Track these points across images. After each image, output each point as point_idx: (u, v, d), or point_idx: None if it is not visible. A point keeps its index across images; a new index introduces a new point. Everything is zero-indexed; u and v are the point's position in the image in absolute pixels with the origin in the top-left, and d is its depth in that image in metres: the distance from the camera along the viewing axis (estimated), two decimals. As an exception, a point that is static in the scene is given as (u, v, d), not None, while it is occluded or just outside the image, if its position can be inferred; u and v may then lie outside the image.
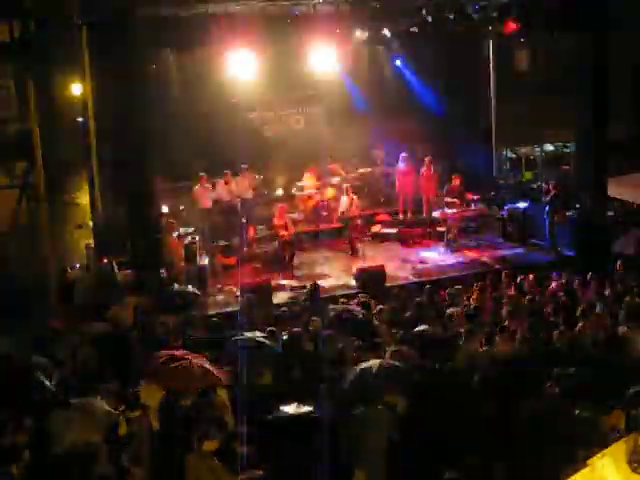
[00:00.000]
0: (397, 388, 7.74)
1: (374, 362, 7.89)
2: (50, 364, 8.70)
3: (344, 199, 15.68)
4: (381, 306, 10.69)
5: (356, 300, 11.29)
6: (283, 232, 14.64)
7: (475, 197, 16.26)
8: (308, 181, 17.35)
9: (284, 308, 11.26)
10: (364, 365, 7.82)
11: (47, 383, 7.97)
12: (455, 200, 15.79)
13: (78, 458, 6.96)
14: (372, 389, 7.54)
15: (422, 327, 9.16)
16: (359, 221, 15.92)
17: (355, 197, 15.78)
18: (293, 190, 17.35)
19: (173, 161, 16.41)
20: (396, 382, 7.72)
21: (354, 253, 15.14)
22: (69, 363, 8.72)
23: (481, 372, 8.45)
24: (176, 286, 12.60)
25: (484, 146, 19.70)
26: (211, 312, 12.46)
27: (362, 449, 7.38)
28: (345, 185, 16.23)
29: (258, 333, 8.92)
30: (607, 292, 10.72)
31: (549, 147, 21.75)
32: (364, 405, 7.45)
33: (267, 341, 8.68)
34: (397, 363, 8.23)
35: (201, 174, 15.78)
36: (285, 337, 9.31)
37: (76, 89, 14.42)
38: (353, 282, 13.62)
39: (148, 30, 12.18)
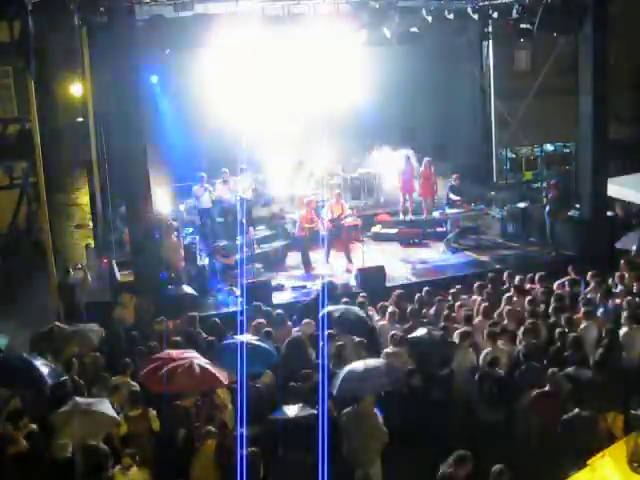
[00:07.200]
0: (387, 388, 7.80)
1: (366, 362, 7.93)
2: (52, 363, 8.71)
3: (334, 206, 14.95)
4: (384, 306, 10.69)
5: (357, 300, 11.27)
6: (310, 225, 14.59)
7: (475, 198, 16.25)
8: (305, 181, 17.33)
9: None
10: (354, 365, 7.86)
11: (49, 382, 7.97)
12: (455, 200, 15.79)
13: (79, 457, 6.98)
14: (361, 389, 7.58)
15: (421, 330, 9.15)
16: (355, 223, 15.72)
17: (345, 203, 15.26)
18: (293, 190, 17.34)
19: (173, 161, 16.43)
20: (387, 382, 7.77)
21: (348, 259, 14.81)
22: (71, 363, 8.72)
23: (480, 373, 8.47)
24: (176, 286, 12.59)
25: (484, 146, 19.72)
26: (211, 312, 12.45)
27: (359, 449, 7.41)
28: (336, 191, 16.15)
29: (250, 336, 8.91)
30: (608, 292, 10.70)
31: (549, 147, 21.76)
32: (355, 405, 7.50)
33: (262, 343, 8.67)
34: (386, 362, 8.28)
35: (201, 174, 15.77)
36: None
37: (76, 89, 14.42)
38: (353, 282, 13.64)
39: (148, 30, 12.18)
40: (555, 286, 11.30)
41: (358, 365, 7.83)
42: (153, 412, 7.71)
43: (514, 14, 14.37)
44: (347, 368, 7.82)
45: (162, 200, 15.74)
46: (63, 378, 8.28)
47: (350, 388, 7.59)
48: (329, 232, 14.74)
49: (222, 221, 16.09)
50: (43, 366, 8.08)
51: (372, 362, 8.03)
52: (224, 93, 17.07)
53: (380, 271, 13.53)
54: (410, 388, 8.16)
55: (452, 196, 15.82)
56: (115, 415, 7.40)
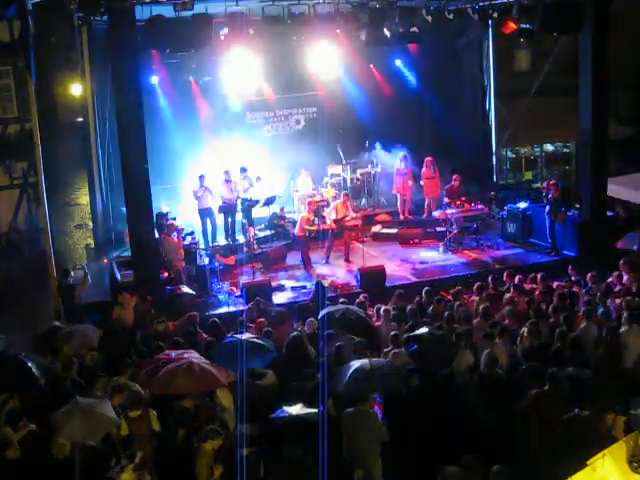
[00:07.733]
0: (393, 388, 7.80)
1: (371, 361, 7.93)
2: (51, 363, 8.71)
3: (340, 206, 15.02)
4: (381, 306, 10.70)
5: (357, 300, 11.29)
6: (311, 226, 14.73)
7: (475, 198, 16.27)
8: (305, 181, 17.33)
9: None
10: (361, 363, 7.85)
11: (41, 381, 7.96)
12: (455, 200, 15.78)
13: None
14: (369, 387, 7.57)
15: (422, 330, 9.15)
16: (356, 224, 15.72)
17: (350, 204, 15.32)
18: (292, 190, 17.36)
19: (173, 160, 16.43)
20: (393, 382, 7.76)
21: (347, 260, 14.98)
22: (70, 362, 8.72)
23: (480, 373, 8.46)
24: (175, 286, 12.59)
25: (484, 146, 19.70)
26: (211, 312, 12.45)
27: (359, 449, 7.41)
28: (343, 192, 16.15)
29: (250, 334, 8.92)
30: (608, 292, 10.70)
31: (549, 147, 21.77)
32: (355, 404, 7.49)
33: (261, 341, 8.67)
34: (388, 362, 8.27)
35: (201, 174, 15.77)
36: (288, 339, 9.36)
37: (76, 89, 14.40)
38: (353, 282, 13.65)
39: (148, 30, 12.17)
40: (555, 286, 11.30)
41: (364, 363, 7.81)
42: (153, 412, 7.71)
43: (514, 14, 14.38)
44: (354, 367, 7.79)
45: (163, 200, 15.78)
46: (58, 377, 8.27)
47: (358, 387, 7.57)
48: (331, 232, 14.77)
49: (222, 221, 16.09)
50: (36, 366, 8.05)
51: (376, 361, 8.03)
52: (224, 93, 17.08)
53: (380, 271, 13.55)
54: (410, 388, 8.15)
55: (445, 199, 15.83)
56: (115, 416, 7.40)
